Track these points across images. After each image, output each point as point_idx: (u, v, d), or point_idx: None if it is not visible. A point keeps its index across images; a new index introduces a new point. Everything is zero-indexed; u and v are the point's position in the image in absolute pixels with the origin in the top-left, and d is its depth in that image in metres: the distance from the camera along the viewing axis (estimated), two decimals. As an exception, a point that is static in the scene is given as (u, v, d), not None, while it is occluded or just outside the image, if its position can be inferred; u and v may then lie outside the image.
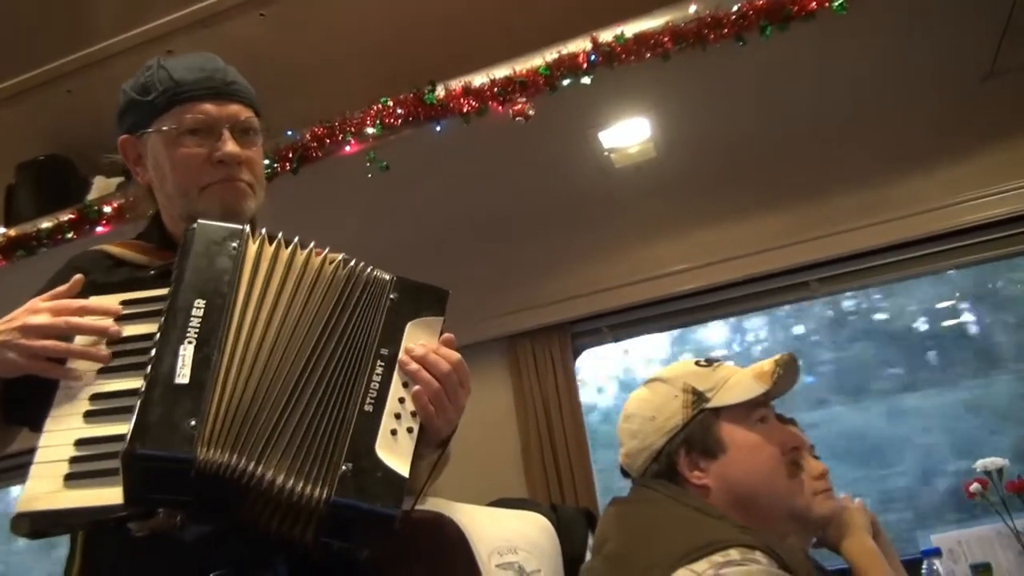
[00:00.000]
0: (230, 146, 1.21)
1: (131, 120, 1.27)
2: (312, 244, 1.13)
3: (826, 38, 2.27)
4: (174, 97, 1.22)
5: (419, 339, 1.08)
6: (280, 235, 1.12)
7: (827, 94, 2.63)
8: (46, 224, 2.69)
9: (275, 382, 1.02)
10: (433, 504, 1.38)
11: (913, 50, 2.48)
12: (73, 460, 0.97)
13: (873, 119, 2.71)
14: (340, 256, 1.13)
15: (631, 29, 2.23)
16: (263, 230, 1.12)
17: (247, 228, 1.11)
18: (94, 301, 1.07)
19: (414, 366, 1.05)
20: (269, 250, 1.10)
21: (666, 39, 2.17)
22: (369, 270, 1.12)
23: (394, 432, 1.02)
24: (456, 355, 1.09)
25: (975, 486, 2.36)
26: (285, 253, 1.10)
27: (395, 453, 1.00)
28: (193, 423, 0.95)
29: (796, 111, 2.69)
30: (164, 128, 1.22)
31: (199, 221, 1.10)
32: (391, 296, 1.10)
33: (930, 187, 2.69)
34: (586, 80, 2.27)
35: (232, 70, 1.29)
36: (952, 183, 2.67)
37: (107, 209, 2.62)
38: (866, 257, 2.78)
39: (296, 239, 1.12)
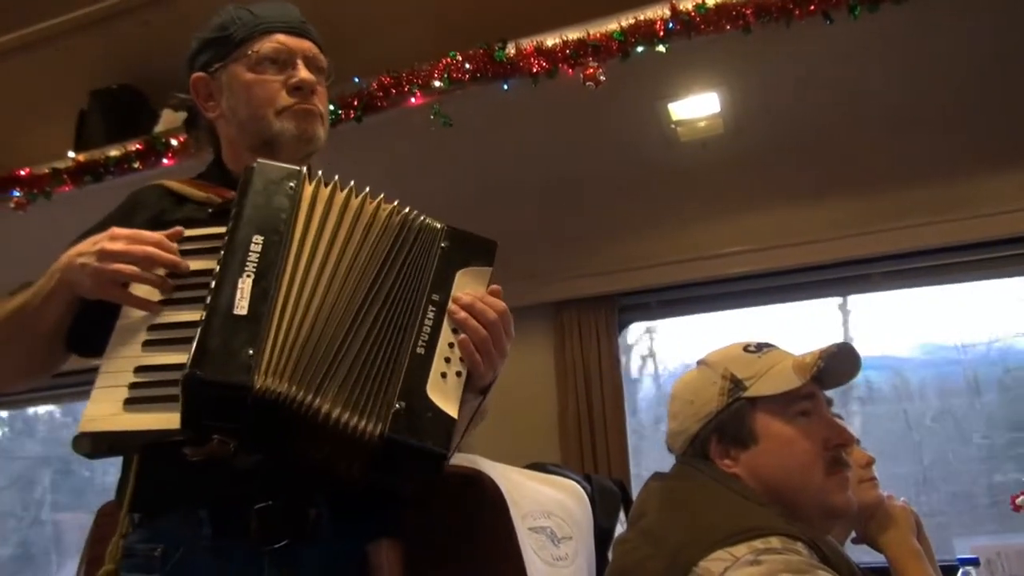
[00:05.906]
0: (304, 73, 1.29)
1: (206, 58, 1.33)
2: (367, 189, 1.15)
3: (919, 22, 2.17)
4: (254, 28, 1.30)
5: (468, 288, 1.11)
6: (336, 178, 1.14)
7: (911, 82, 2.51)
8: (114, 152, 2.77)
9: (332, 318, 1.04)
10: (472, 461, 1.39)
11: (1011, 47, 2.35)
12: (133, 386, 1.01)
13: (957, 111, 2.58)
14: (395, 202, 1.15)
15: (713, -2, 2.16)
16: (319, 172, 1.14)
17: (304, 170, 1.13)
18: (167, 237, 1.09)
19: (462, 314, 1.08)
20: (325, 192, 1.12)
21: (749, 11, 2.10)
22: (422, 218, 1.15)
23: (444, 375, 1.04)
24: (502, 304, 1.12)
25: (1022, 499, 2.29)
26: (341, 196, 1.12)
27: (445, 395, 1.03)
28: (251, 352, 0.97)
29: (875, 97, 2.58)
30: (244, 55, 1.29)
31: (258, 160, 1.12)
32: (442, 244, 1.12)
33: (1011, 188, 2.57)
34: (661, 48, 2.21)
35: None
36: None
37: (173, 142, 2.68)
38: (935, 255, 2.69)
39: (352, 183, 1.14)
